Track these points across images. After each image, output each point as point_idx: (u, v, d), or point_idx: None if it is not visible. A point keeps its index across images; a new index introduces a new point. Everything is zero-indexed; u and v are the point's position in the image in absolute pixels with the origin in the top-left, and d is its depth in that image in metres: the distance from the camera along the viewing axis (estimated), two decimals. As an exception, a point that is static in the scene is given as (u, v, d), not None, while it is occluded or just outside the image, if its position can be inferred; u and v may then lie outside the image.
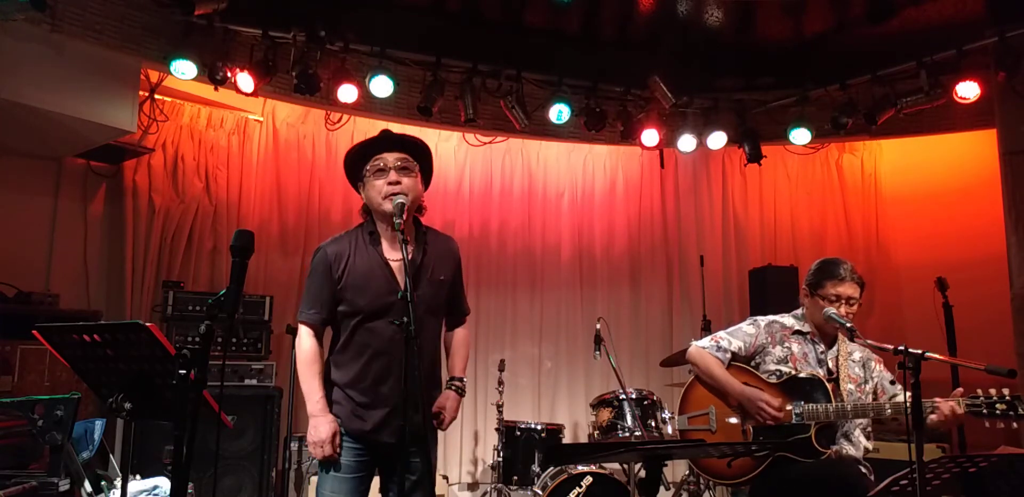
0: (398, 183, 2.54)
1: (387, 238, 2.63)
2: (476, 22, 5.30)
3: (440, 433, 2.81)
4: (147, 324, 2.03)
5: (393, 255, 2.60)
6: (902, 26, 5.04)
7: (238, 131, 5.67)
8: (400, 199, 2.50)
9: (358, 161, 2.64)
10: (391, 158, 2.58)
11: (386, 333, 2.54)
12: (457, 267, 2.80)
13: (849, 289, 3.00)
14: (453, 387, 2.75)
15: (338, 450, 2.53)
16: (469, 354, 2.91)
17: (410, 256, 2.56)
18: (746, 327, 3.21)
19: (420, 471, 2.55)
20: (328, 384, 2.64)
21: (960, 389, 2.75)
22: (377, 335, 2.56)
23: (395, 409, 2.50)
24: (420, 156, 2.67)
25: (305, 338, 2.63)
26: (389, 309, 2.54)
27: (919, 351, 2.25)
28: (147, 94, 5.04)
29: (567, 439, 5.44)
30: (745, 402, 3.00)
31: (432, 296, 2.65)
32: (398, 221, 2.43)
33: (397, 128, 5.86)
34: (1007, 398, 2.64)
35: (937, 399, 2.72)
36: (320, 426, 2.53)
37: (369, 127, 5.97)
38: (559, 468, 4.37)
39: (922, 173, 6.37)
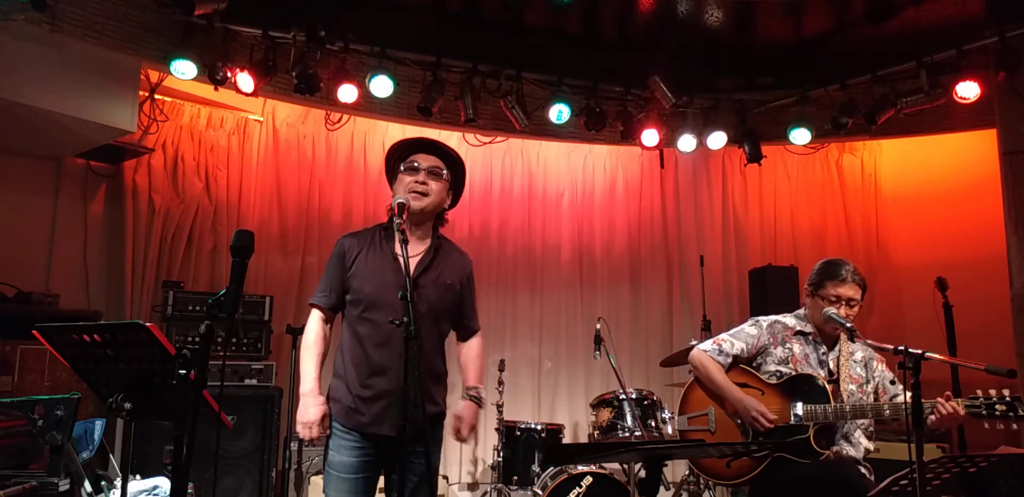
0: (424, 184, 2.67)
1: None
2: (476, 22, 5.30)
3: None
4: (147, 324, 2.03)
5: (402, 251, 2.65)
6: (902, 26, 5.03)
7: (238, 131, 5.67)
8: (400, 199, 2.58)
9: (397, 158, 2.77)
10: (425, 161, 2.72)
11: (387, 326, 2.57)
12: (467, 280, 2.86)
13: (850, 290, 3.00)
14: (469, 396, 2.80)
15: (327, 432, 2.60)
16: (485, 365, 2.93)
17: (420, 257, 2.68)
18: (748, 328, 3.21)
19: (422, 472, 2.55)
20: (335, 376, 2.70)
21: (948, 393, 2.75)
22: (378, 327, 2.61)
23: (393, 402, 2.54)
24: (453, 167, 2.79)
25: (313, 321, 2.73)
26: (391, 303, 2.58)
27: (919, 351, 2.25)
28: (147, 94, 5.04)
29: (567, 439, 5.44)
30: (741, 410, 3.01)
31: (436, 298, 2.69)
32: (398, 221, 2.50)
33: (397, 128, 5.95)
34: (1007, 399, 2.65)
35: (938, 399, 2.72)
36: (310, 407, 2.59)
37: (369, 127, 5.98)
38: (559, 468, 4.37)
39: (922, 173, 6.37)
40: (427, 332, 2.62)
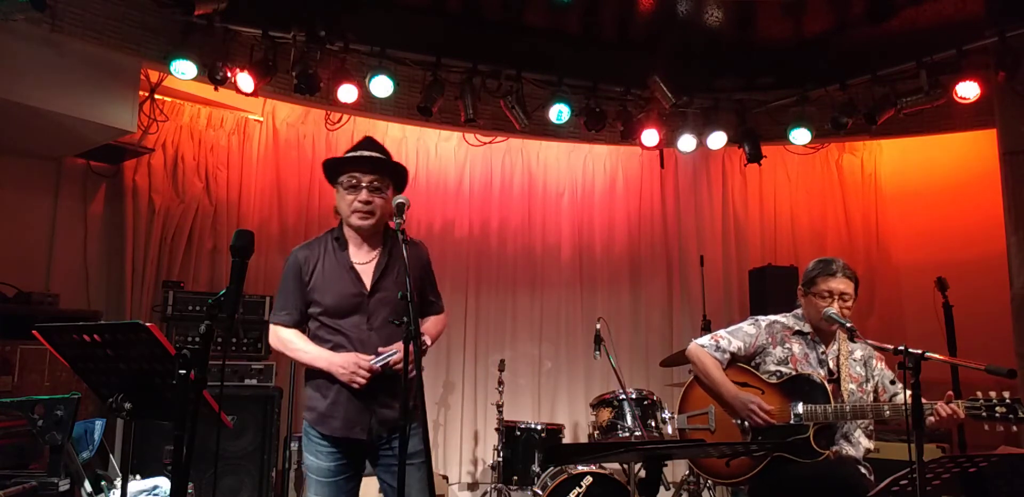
0: (369, 203, 2.68)
1: (354, 244, 2.78)
2: (476, 22, 5.30)
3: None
4: (147, 324, 2.03)
5: (358, 259, 2.74)
6: (902, 26, 5.03)
7: (238, 131, 5.67)
8: (400, 199, 2.58)
9: (335, 169, 2.77)
10: (365, 178, 2.71)
11: (352, 332, 2.64)
12: (425, 270, 2.86)
13: (841, 284, 3.01)
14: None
15: (372, 363, 2.54)
16: (438, 332, 2.89)
17: (375, 260, 2.72)
18: (747, 327, 3.21)
19: (413, 455, 2.54)
20: (308, 386, 2.72)
21: (951, 393, 2.75)
22: (342, 334, 2.65)
23: (362, 406, 2.59)
24: (393, 173, 2.78)
25: (279, 328, 2.73)
26: (355, 308, 2.65)
27: (919, 351, 2.25)
28: (147, 94, 5.04)
29: (567, 439, 5.44)
30: (738, 405, 3.01)
31: (397, 297, 2.65)
32: (398, 221, 2.52)
33: (397, 128, 5.94)
34: (1007, 401, 2.64)
35: (939, 402, 2.72)
36: (338, 358, 2.57)
37: (369, 127, 5.98)
38: (559, 468, 4.37)
39: (922, 173, 6.37)
40: (388, 329, 2.63)
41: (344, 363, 2.56)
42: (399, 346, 2.59)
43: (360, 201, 2.68)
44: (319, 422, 2.64)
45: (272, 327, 2.75)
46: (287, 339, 2.71)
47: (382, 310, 2.64)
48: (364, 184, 2.69)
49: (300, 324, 2.74)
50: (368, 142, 2.82)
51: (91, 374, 2.24)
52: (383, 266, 2.71)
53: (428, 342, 2.72)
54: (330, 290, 2.67)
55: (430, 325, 2.87)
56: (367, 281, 2.68)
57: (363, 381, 2.54)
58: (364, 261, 2.73)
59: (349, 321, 2.65)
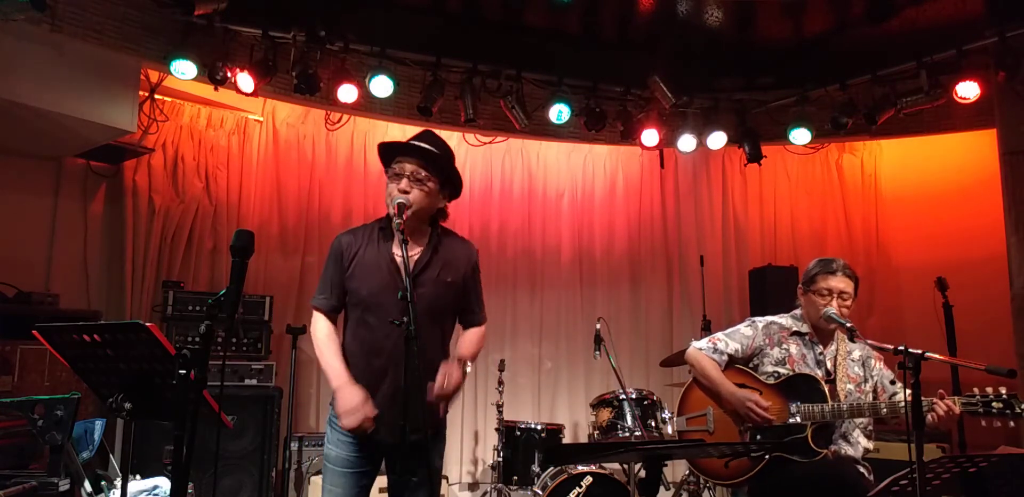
0: (407, 193, 2.58)
1: (398, 237, 2.66)
2: (476, 22, 5.30)
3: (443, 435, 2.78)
4: (147, 324, 2.03)
5: (401, 251, 2.61)
6: (902, 26, 5.04)
7: (238, 131, 5.66)
8: (400, 199, 2.55)
9: (386, 157, 2.70)
10: (409, 167, 2.61)
11: (382, 331, 2.56)
12: (471, 272, 2.80)
13: (841, 283, 3.01)
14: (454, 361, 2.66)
15: (371, 415, 2.49)
16: (475, 351, 2.83)
17: (418, 255, 2.63)
18: (744, 329, 3.21)
19: (422, 472, 2.53)
20: None
21: (942, 391, 2.75)
22: (375, 331, 2.58)
23: (392, 408, 2.51)
24: (439, 166, 2.65)
25: (319, 320, 2.68)
26: (388, 305, 2.55)
27: (919, 351, 2.26)
28: (147, 94, 5.04)
29: (567, 439, 5.44)
30: (737, 404, 3.01)
31: (434, 297, 2.63)
32: (397, 221, 2.49)
33: (397, 128, 5.95)
34: (1003, 396, 2.65)
35: (934, 400, 2.72)
36: (349, 395, 2.51)
37: (369, 127, 5.98)
38: (559, 468, 4.37)
39: (922, 173, 6.37)
40: (427, 331, 2.56)
41: (354, 400, 2.48)
42: (445, 369, 2.55)
43: (400, 190, 2.58)
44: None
45: (314, 315, 2.69)
46: (321, 340, 2.64)
47: (416, 305, 2.41)
48: (407, 173, 2.60)
49: (337, 309, 2.69)
50: (426, 134, 2.74)
51: (91, 374, 2.24)
52: (425, 261, 2.63)
53: (468, 368, 2.65)
54: (366, 280, 2.61)
55: (467, 342, 2.80)
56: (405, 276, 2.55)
57: (355, 423, 2.46)
58: (407, 254, 2.58)
59: (380, 317, 2.55)
